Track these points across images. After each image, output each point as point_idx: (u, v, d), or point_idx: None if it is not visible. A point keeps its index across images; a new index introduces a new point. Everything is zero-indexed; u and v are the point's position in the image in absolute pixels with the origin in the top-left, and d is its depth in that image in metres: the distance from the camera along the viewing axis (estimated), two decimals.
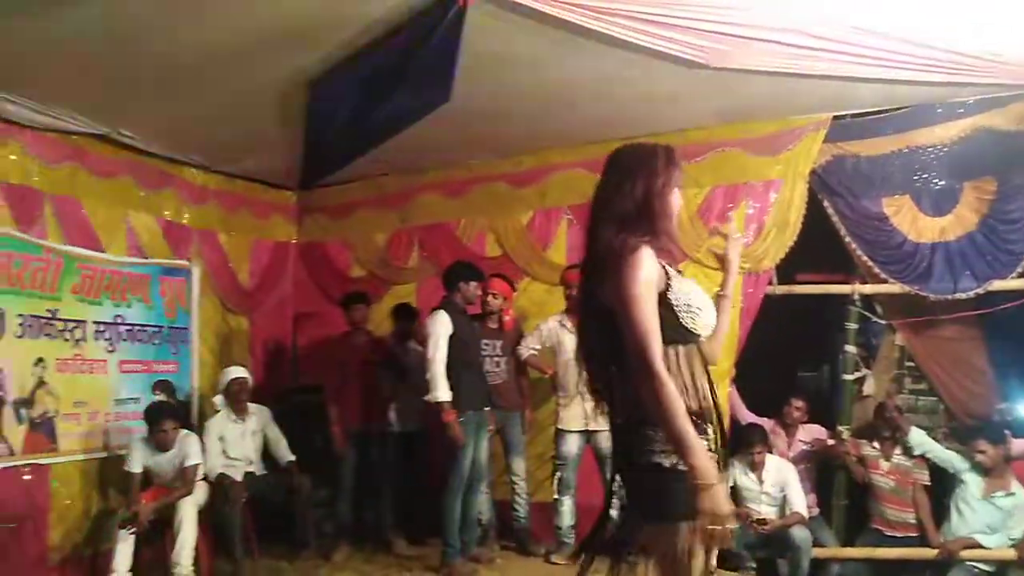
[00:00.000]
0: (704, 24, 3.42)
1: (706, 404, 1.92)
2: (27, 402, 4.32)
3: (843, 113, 4.61)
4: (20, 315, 4.29)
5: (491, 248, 5.60)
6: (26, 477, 4.24)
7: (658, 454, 1.85)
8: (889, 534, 4.52)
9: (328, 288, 6.12)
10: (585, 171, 5.26)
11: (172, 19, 3.43)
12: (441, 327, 4.32)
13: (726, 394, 4.76)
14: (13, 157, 4.30)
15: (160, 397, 4.96)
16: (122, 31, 3.50)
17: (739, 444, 4.58)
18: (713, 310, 2.01)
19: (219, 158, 5.54)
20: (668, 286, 1.93)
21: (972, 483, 4.31)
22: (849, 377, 4.85)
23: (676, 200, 2.03)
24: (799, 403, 4.86)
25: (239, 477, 4.74)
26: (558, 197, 5.37)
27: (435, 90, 4.12)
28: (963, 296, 4.40)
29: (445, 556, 4.37)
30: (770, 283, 4.80)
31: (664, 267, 1.94)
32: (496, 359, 4.71)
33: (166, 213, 5.33)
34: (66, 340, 4.56)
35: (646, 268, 1.87)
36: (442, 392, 4.23)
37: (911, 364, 4.87)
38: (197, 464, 4.50)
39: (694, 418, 1.83)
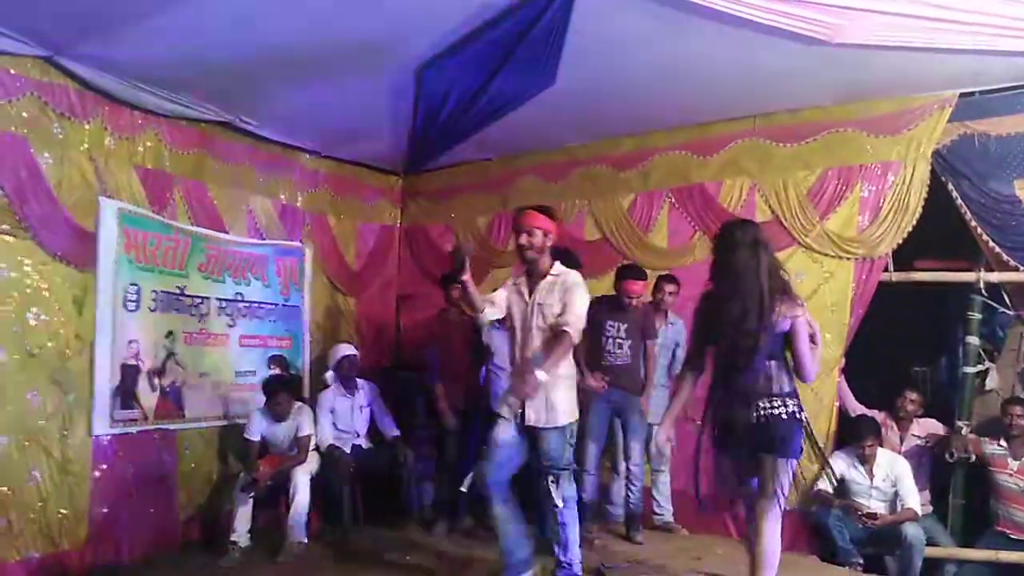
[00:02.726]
0: None
1: None
2: (158, 372, 4.67)
3: (971, 90, 4.34)
4: (154, 291, 4.62)
5: (590, 231, 5.59)
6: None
7: None
8: (1016, 538, 4.26)
9: (430, 270, 6.27)
10: (688, 153, 5.21)
11: (290, 9, 3.58)
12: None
13: (835, 383, 4.62)
14: (149, 144, 4.63)
15: (275, 371, 5.25)
16: (243, 22, 3.69)
17: (848, 436, 4.42)
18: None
19: (330, 144, 5.77)
20: None
21: None
22: (970, 370, 4.59)
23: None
24: (913, 395, 4.65)
25: (348, 449, 4.96)
26: (660, 179, 5.31)
27: (541, 74, 4.15)
28: None
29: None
30: (886, 269, 4.59)
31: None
32: (619, 340, 4.64)
33: (282, 197, 5.61)
34: (192, 315, 4.89)
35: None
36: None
37: None
38: (310, 435, 4.74)
39: None
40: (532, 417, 3.44)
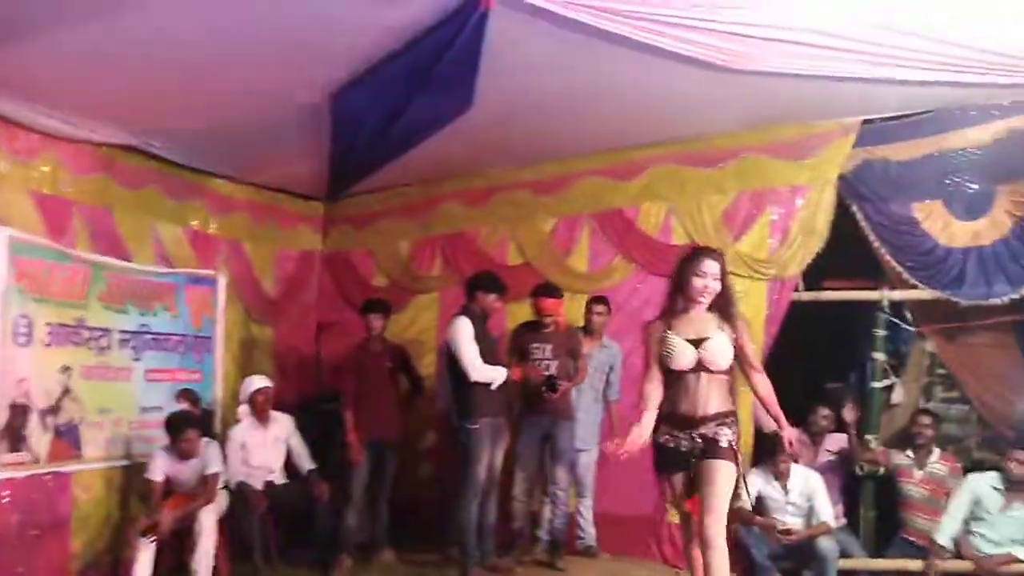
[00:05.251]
0: (727, 26, 3.37)
1: None
2: (53, 410, 4.37)
3: (873, 117, 4.53)
4: (48, 323, 4.34)
5: (513, 256, 5.58)
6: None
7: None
8: (921, 545, 4.39)
9: (352, 297, 6.13)
10: (607, 178, 5.26)
11: (197, 30, 3.47)
12: (466, 331, 4.35)
13: (749, 402, 4.69)
14: (45, 168, 4.39)
15: (183, 406, 4.98)
16: (148, 43, 3.56)
17: (763, 453, 4.49)
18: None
19: (246, 169, 5.60)
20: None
21: (989, 498, 4.18)
22: (877, 385, 4.75)
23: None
24: (825, 412, 4.76)
25: (260, 485, 4.75)
26: (581, 204, 5.35)
27: (457, 98, 4.13)
28: (997, 302, 4.29)
29: (463, 565, 4.32)
30: (796, 290, 4.72)
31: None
32: (545, 362, 4.57)
33: (193, 223, 5.40)
34: (92, 348, 4.62)
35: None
36: (492, 369, 4.32)
37: (942, 372, 4.77)
38: (218, 472, 4.50)
39: None
40: None
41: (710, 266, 3.04)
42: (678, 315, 3.08)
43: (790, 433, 3.20)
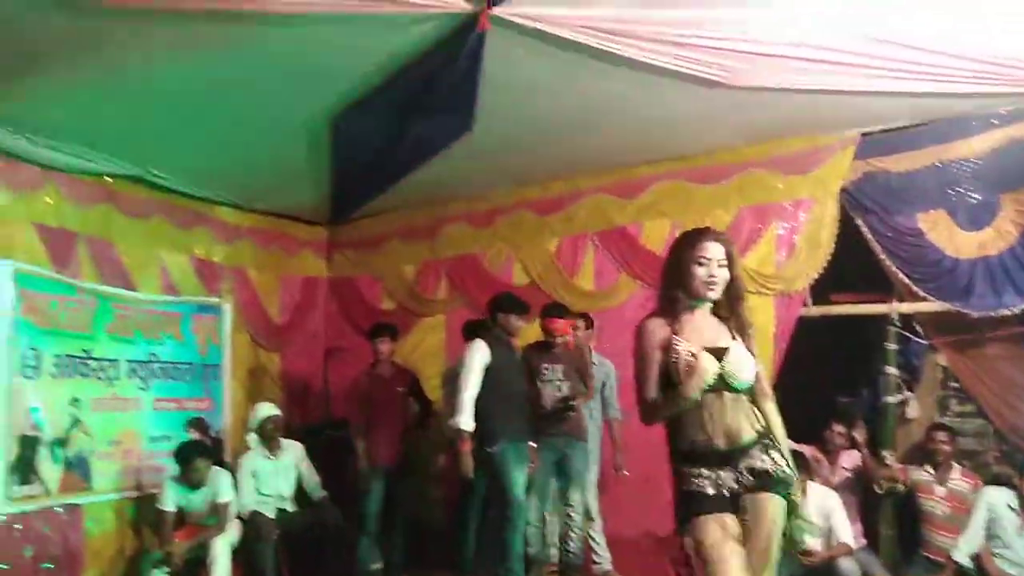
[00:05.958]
0: (723, 42, 3.38)
1: None
2: (62, 442, 4.37)
3: (872, 129, 4.52)
4: (56, 355, 4.36)
5: (519, 277, 5.58)
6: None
7: None
8: (943, 563, 4.29)
9: (359, 322, 6.13)
10: (611, 196, 5.27)
11: (197, 60, 3.50)
12: (478, 356, 4.25)
13: None
14: (49, 200, 4.43)
15: (193, 435, 4.99)
16: (150, 74, 3.59)
17: None
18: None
19: (250, 196, 5.64)
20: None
21: (1006, 518, 4.09)
22: (891, 400, 4.68)
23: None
24: (840, 428, 4.67)
25: (271, 514, 4.72)
26: (584, 223, 5.35)
27: (458, 119, 4.15)
28: (1008, 312, 4.23)
29: None
30: (804, 304, 4.68)
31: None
32: (558, 383, 4.51)
33: (197, 251, 5.43)
34: (100, 379, 4.63)
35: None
36: (465, 421, 4.13)
37: (955, 385, 4.69)
38: (229, 501, 4.49)
39: None
40: None
41: (714, 250, 2.40)
42: (679, 317, 2.42)
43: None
